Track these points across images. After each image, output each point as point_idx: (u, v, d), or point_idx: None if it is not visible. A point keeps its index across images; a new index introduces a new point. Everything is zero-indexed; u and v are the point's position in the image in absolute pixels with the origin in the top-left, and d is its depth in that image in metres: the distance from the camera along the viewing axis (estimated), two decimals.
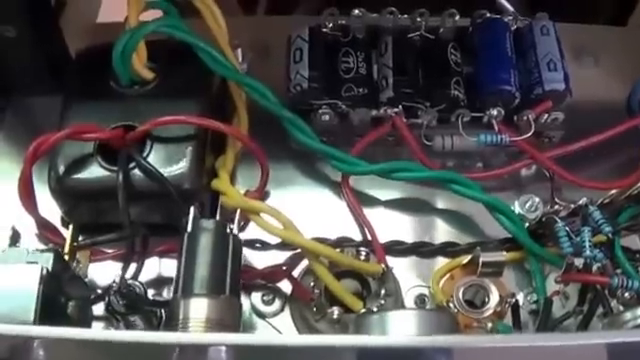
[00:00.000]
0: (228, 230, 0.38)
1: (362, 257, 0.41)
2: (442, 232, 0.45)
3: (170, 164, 0.42)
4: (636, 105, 0.49)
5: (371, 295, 0.41)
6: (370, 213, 0.45)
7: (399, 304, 0.42)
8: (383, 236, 0.44)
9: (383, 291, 0.40)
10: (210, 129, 0.43)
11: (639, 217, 0.45)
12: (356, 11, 0.47)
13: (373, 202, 0.46)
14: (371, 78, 0.46)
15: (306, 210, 0.45)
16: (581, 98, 0.50)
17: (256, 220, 0.41)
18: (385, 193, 0.46)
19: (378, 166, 0.44)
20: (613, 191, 0.44)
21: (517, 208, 0.45)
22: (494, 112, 0.44)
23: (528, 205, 0.45)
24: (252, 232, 0.43)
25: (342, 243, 0.43)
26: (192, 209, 0.38)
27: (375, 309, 0.40)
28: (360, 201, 0.45)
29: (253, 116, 0.46)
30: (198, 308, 0.36)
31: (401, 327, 0.34)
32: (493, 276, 0.42)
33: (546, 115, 0.46)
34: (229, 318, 0.36)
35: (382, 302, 0.40)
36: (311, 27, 0.46)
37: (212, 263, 0.37)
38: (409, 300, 0.43)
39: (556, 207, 0.44)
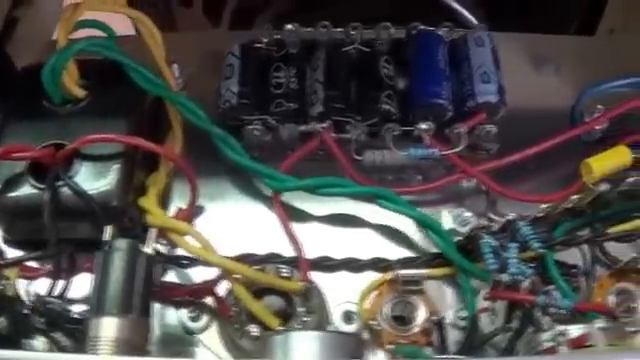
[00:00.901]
0: (149, 250, 0.39)
1: (284, 274, 0.41)
2: (374, 247, 0.44)
3: (97, 181, 0.42)
4: (578, 116, 0.49)
5: (295, 312, 0.41)
6: (302, 228, 0.45)
7: (324, 321, 0.42)
8: (314, 251, 0.44)
9: (304, 308, 0.40)
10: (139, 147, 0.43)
11: (576, 231, 0.44)
12: (289, 26, 0.47)
13: (306, 218, 0.46)
14: (303, 93, 0.46)
15: (238, 225, 0.45)
16: (540, 107, 0.50)
17: (176, 239, 0.41)
18: (319, 208, 0.46)
19: (305, 182, 0.44)
20: (544, 205, 0.43)
21: (450, 222, 0.45)
22: (424, 126, 0.44)
23: (460, 219, 0.44)
24: (181, 249, 0.43)
25: (270, 259, 0.43)
26: (107, 229, 0.39)
27: (299, 327, 0.40)
28: (292, 217, 0.45)
29: (190, 131, 0.47)
30: (107, 327, 0.36)
31: (303, 349, 0.34)
32: (417, 293, 0.42)
33: (480, 127, 0.45)
34: (137, 338, 0.36)
35: (305, 319, 0.40)
36: (243, 43, 0.46)
37: (122, 283, 0.37)
38: (337, 316, 0.42)
39: (484, 222, 0.43)
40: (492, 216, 0.45)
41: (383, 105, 0.45)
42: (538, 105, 0.51)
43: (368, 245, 0.45)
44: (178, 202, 0.46)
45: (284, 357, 0.34)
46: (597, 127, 0.47)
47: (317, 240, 0.45)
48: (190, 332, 0.43)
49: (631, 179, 0.44)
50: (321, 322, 0.41)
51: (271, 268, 0.41)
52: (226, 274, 0.40)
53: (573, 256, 0.45)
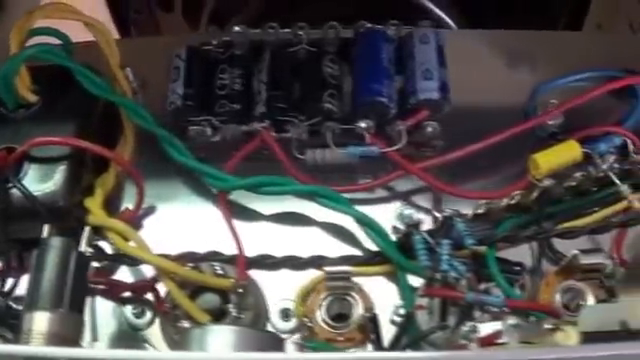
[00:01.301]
0: (84, 249, 0.40)
1: (217, 272, 0.42)
2: (317, 245, 0.45)
3: (44, 183, 0.43)
4: (532, 111, 0.48)
5: (229, 310, 0.41)
6: (246, 227, 0.45)
7: (261, 318, 0.42)
8: (256, 249, 0.44)
9: (237, 305, 0.41)
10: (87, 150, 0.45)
11: (522, 228, 0.44)
12: (236, 27, 0.47)
13: (252, 217, 0.46)
14: (248, 94, 0.46)
15: (186, 224, 0.46)
16: (514, 105, 0.50)
17: (114, 238, 0.42)
18: (266, 208, 0.46)
19: (246, 181, 0.44)
20: (483, 201, 0.43)
21: (392, 220, 0.45)
22: (362, 124, 0.44)
23: (401, 217, 0.44)
24: None
25: (210, 257, 0.43)
26: (45, 227, 0.40)
27: (229, 323, 0.41)
28: (238, 215, 0.45)
29: (143, 132, 0.47)
30: (39, 321, 0.37)
31: (217, 342, 0.35)
32: (349, 290, 0.42)
33: (423, 124, 0.45)
34: (68, 332, 0.38)
35: (238, 317, 0.41)
36: (189, 46, 0.47)
37: (55, 279, 0.38)
38: (275, 314, 0.43)
39: (427, 219, 0.43)
40: (435, 213, 0.44)
41: (326, 104, 0.45)
42: (512, 103, 0.50)
43: (311, 243, 0.45)
44: (129, 202, 0.47)
45: (199, 349, 0.35)
46: (550, 122, 0.47)
47: (261, 238, 0.45)
48: (135, 328, 0.44)
49: (577, 174, 0.43)
50: (256, 319, 0.42)
51: (207, 266, 0.42)
52: (158, 272, 0.41)
53: (522, 254, 0.44)
